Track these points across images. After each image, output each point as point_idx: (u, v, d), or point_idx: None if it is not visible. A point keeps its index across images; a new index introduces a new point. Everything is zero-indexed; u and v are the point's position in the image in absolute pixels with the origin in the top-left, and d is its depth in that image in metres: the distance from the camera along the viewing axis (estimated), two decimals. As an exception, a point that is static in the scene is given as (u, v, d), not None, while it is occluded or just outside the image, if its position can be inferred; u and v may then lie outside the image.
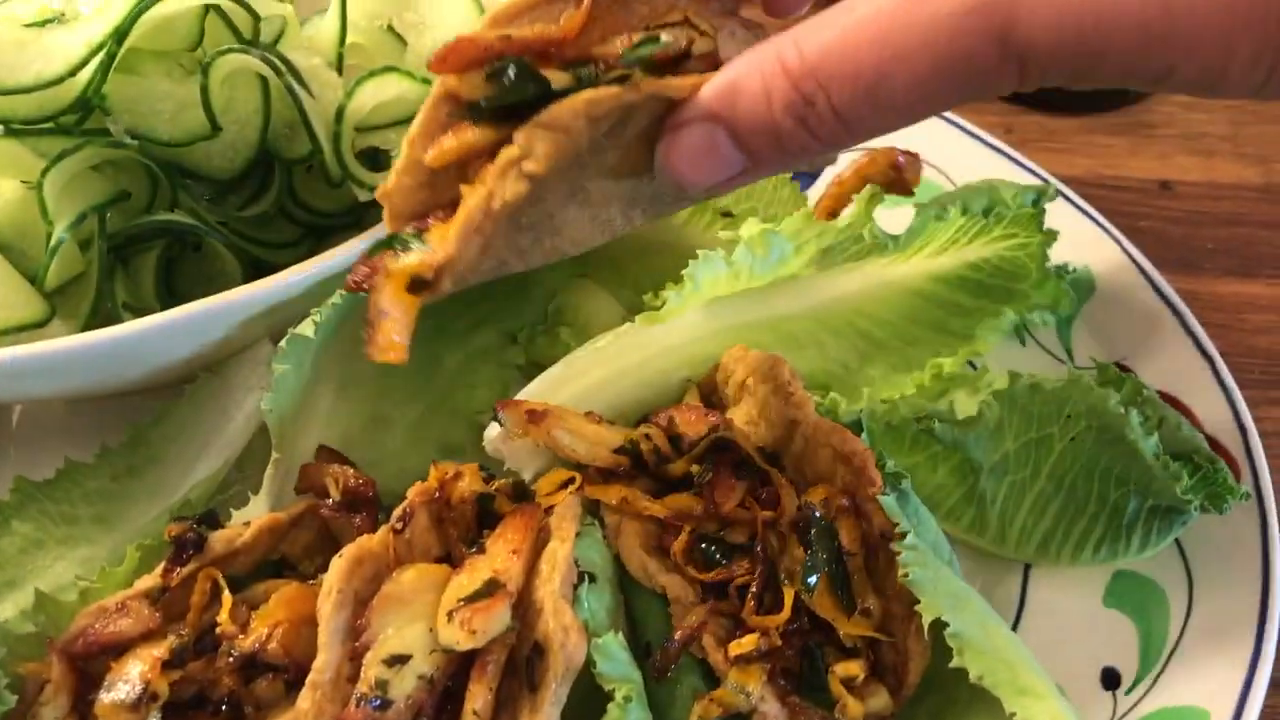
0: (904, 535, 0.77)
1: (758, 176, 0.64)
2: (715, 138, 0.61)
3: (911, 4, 0.55)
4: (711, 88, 0.61)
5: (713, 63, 0.66)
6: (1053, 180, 1.15)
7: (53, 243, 0.92)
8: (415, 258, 0.62)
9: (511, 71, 0.60)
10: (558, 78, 0.62)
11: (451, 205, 0.63)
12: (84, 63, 0.91)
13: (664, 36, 0.65)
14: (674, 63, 0.65)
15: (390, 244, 0.63)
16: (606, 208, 0.68)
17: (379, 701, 0.71)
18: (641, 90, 0.61)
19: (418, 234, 0.63)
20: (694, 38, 0.66)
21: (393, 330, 0.62)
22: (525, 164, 0.59)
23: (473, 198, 0.61)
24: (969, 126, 1.22)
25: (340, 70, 1.07)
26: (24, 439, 1.05)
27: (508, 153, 0.60)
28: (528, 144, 0.59)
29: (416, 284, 0.62)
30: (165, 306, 0.93)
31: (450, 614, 0.72)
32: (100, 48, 0.91)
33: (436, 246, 0.62)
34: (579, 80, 0.62)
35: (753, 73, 0.60)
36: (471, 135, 0.61)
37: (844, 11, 0.58)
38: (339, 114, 0.99)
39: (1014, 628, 0.90)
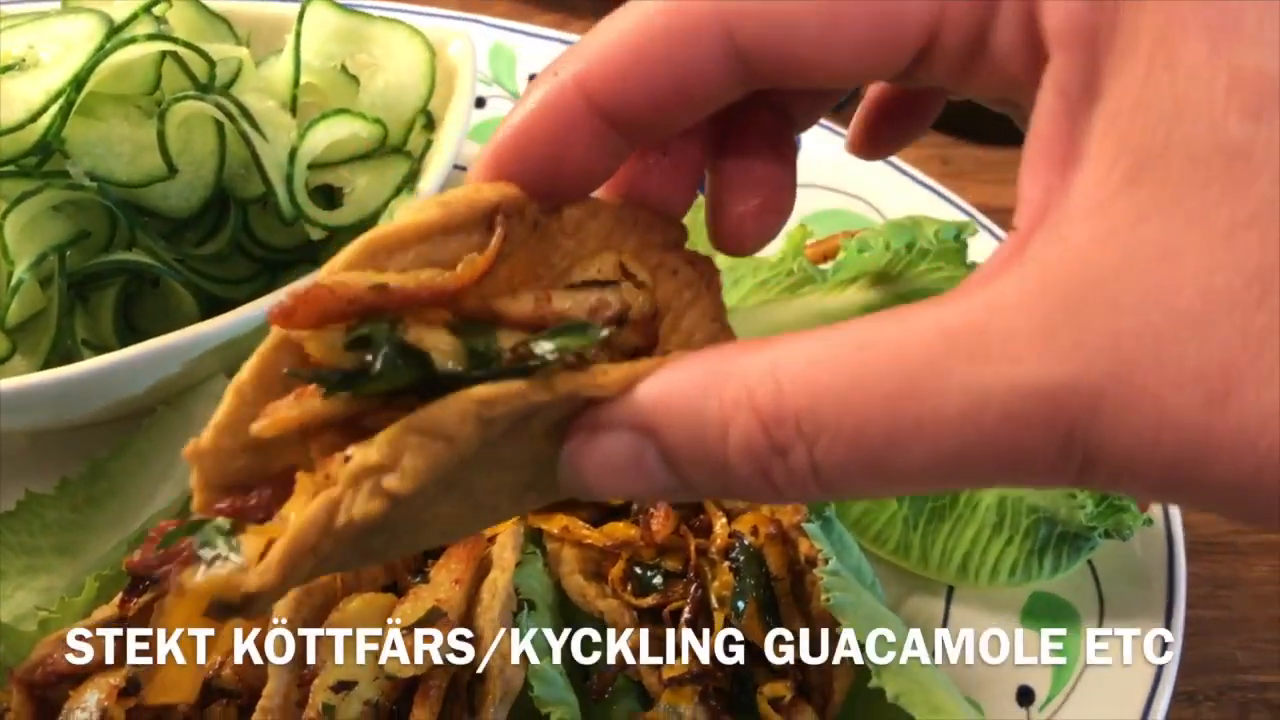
0: (827, 561, 0.81)
1: (690, 499, 0.53)
2: (642, 454, 0.47)
3: (948, 358, 0.40)
4: (649, 395, 0.46)
5: (649, 329, 0.52)
6: (978, 216, 1.20)
7: (13, 282, 0.95)
8: (220, 572, 0.46)
9: (384, 351, 0.46)
10: (442, 346, 0.47)
11: (281, 478, 0.48)
12: (44, 109, 0.94)
13: (593, 327, 0.49)
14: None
15: (194, 533, 0.47)
16: (492, 496, 0.53)
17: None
18: (556, 390, 0.46)
19: (229, 531, 0.47)
20: (629, 302, 0.52)
21: (176, 675, 0.49)
22: (386, 480, 0.44)
23: (309, 509, 0.45)
24: (901, 165, 1.27)
25: (295, 110, 1.10)
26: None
27: (364, 456, 0.44)
28: (393, 453, 0.44)
29: (220, 608, 0.46)
30: (124, 342, 0.97)
31: (394, 642, 0.76)
32: (60, 94, 0.94)
33: (251, 561, 0.46)
34: (472, 358, 0.47)
35: (707, 395, 0.44)
36: (318, 405, 0.46)
37: (848, 345, 0.42)
38: (292, 155, 1.03)
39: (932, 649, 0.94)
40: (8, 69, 0.97)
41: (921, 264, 1.05)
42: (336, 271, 0.46)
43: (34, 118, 0.94)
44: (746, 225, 0.55)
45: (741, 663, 0.84)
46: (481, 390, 0.44)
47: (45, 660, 0.80)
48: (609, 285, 0.51)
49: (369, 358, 0.44)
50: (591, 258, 0.52)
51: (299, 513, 0.45)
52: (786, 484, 0.44)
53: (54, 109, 0.95)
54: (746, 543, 0.84)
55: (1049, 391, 0.38)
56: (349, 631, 0.78)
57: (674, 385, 0.46)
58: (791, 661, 0.84)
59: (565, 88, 0.50)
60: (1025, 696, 0.90)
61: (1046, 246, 0.40)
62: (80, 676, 0.80)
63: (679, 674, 0.82)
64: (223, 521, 0.46)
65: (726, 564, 0.85)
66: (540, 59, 1.35)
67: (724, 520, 0.87)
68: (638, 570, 0.87)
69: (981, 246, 1.10)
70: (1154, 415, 0.37)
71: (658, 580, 0.87)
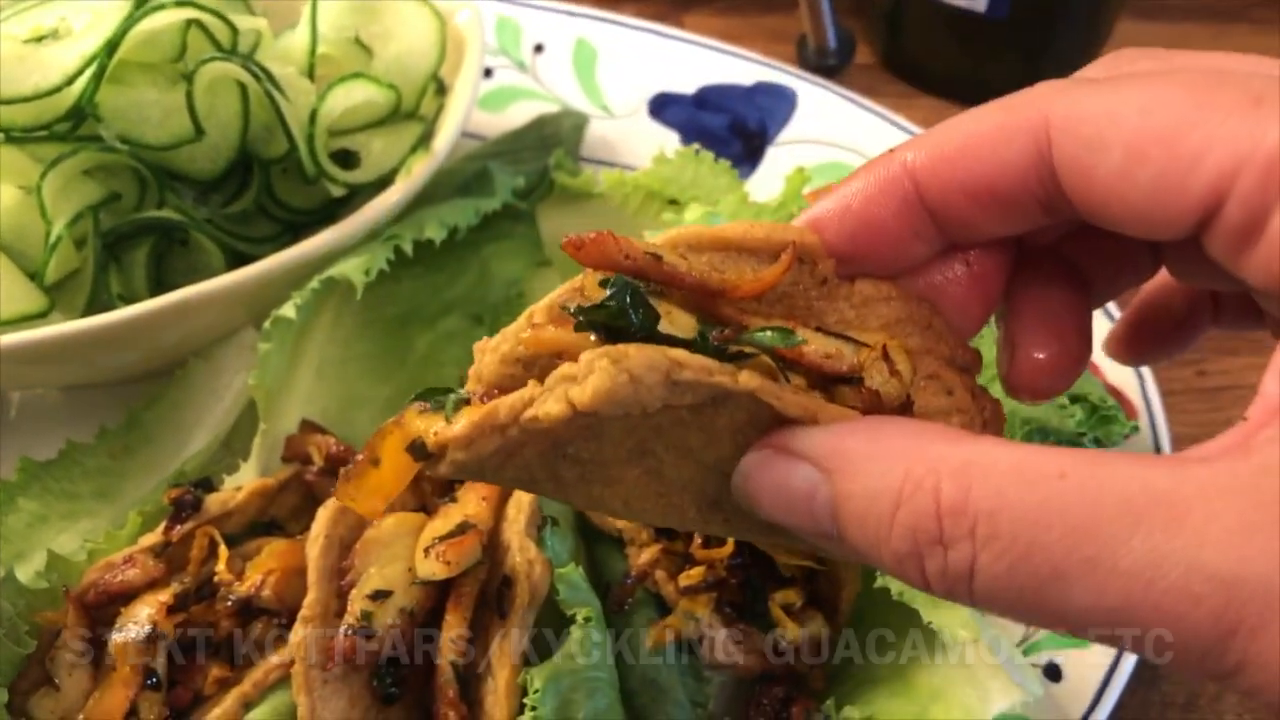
0: (832, 473, 0.86)
1: (836, 556, 0.53)
2: (815, 492, 0.48)
3: (1143, 518, 0.41)
4: (841, 437, 0.48)
5: (875, 402, 0.53)
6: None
7: (51, 240, 1.00)
8: (431, 423, 0.53)
9: (623, 293, 0.51)
10: (679, 322, 0.52)
11: (508, 385, 0.55)
12: (78, 74, 0.99)
13: (811, 342, 0.53)
14: (824, 377, 0.53)
15: (431, 398, 0.55)
16: (680, 494, 0.56)
17: (365, 631, 0.79)
18: (740, 382, 0.49)
19: (459, 401, 0.54)
20: (874, 372, 0.53)
21: (376, 483, 0.54)
22: (572, 390, 0.49)
23: (512, 396, 0.51)
24: (897, 119, 1.32)
25: (312, 79, 1.15)
26: (24, 425, 1.13)
27: (566, 368, 0.50)
28: (585, 369, 0.49)
29: (417, 449, 0.53)
30: (156, 297, 1.01)
31: (427, 550, 0.80)
32: (93, 60, 0.99)
33: (456, 422, 0.53)
34: (699, 336, 0.52)
35: (896, 464, 0.46)
36: (569, 336, 0.52)
37: (1048, 465, 0.43)
38: (312, 116, 1.08)
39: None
40: (43, 38, 1.02)
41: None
42: (662, 237, 0.53)
43: (69, 81, 0.99)
44: (1040, 373, 0.57)
45: (753, 573, 0.88)
46: (677, 351, 0.49)
47: (97, 582, 0.85)
48: (857, 345, 0.54)
49: (612, 295, 0.51)
50: (861, 326, 0.55)
51: (509, 395, 0.51)
52: (938, 577, 0.45)
53: (87, 74, 1.00)
54: (755, 459, 0.89)
55: (1228, 582, 0.39)
56: (384, 545, 0.83)
57: (867, 440, 0.48)
58: (801, 571, 0.89)
59: (899, 167, 0.53)
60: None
61: (1273, 447, 0.41)
62: (130, 596, 0.84)
63: (694, 583, 0.87)
64: (463, 393, 0.55)
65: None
66: (545, 31, 1.40)
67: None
68: (653, 491, 0.92)
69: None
70: None
71: (672, 500, 0.91)
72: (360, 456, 0.54)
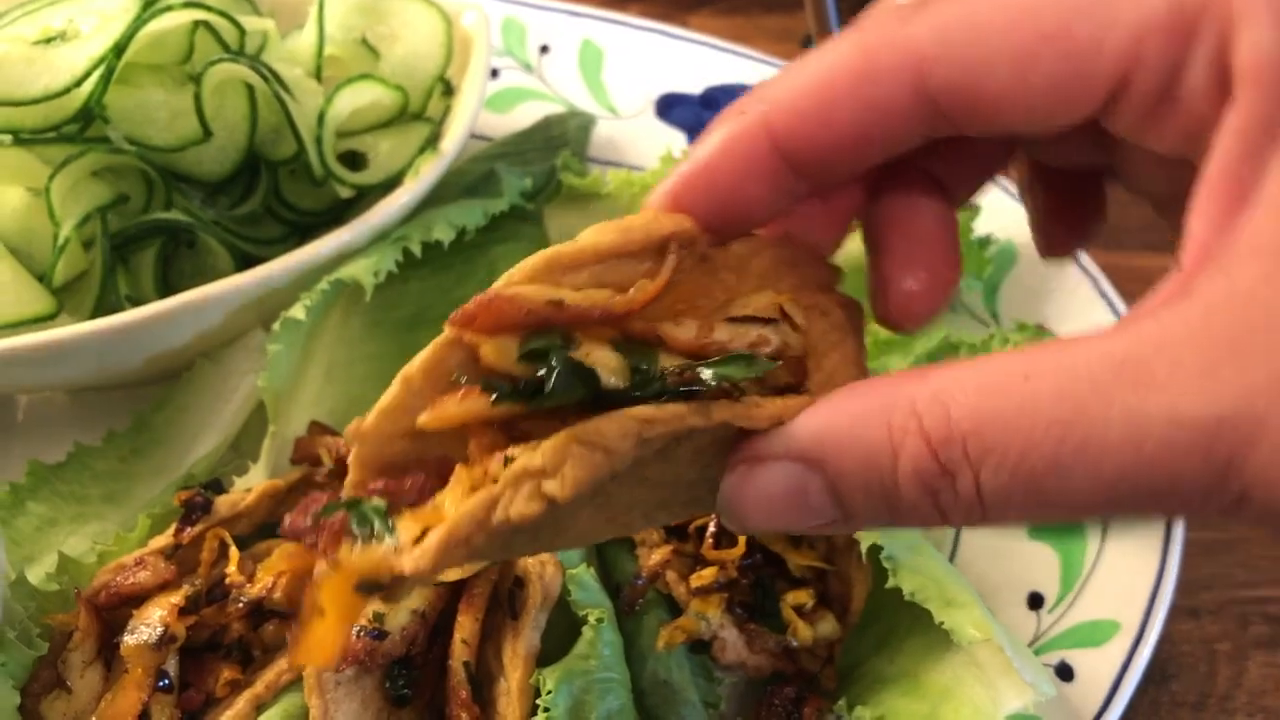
0: (843, 473, 0.86)
1: (843, 531, 0.52)
2: (805, 486, 0.48)
3: (1113, 387, 0.42)
4: (811, 427, 0.48)
5: (797, 368, 0.54)
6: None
7: (59, 242, 1.00)
8: (375, 554, 0.48)
9: (558, 371, 0.48)
10: (610, 364, 0.49)
11: (435, 466, 0.51)
12: (87, 75, 0.99)
13: (758, 361, 0.52)
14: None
15: (350, 510, 0.49)
16: (628, 513, 0.55)
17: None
18: (712, 418, 0.48)
19: (384, 511, 0.49)
20: (787, 342, 0.54)
21: (326, 633, 0.50)
22: (546, 485, 0.46)
23: (469, 503, 0.47)
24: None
25: (319, 80, 1.15)
26: (32, 428, 1.13)
27: (528, 459, 0.46)
28: (556, 460, 0.46)
29: (369, 586, 0.49)
30: (163, 299, 1.01)
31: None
32: (101, 61, 0.99)
33: (405, 544, 0.48)
34: (635, 376, 0.50)
35: (875, 422, 0.46)
36: (483, 407, 0.48)
37: (1014, 375, 0.44)
38: (320, 118, 1.08)
39: (950, 561, 0.99)
40: (51, 40, 1.02)
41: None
42: (515, 283, 0.50)
43: (78, 84, 0.99)
44: (914, 303, 0.57)
45: (764, 574, 0.88)
46: (645, 410, 0.47)
47: (108, 584, 0.85)
48: (769, 323, 0.53)
49: (542, 374, 0.48)
50: (751, 294, 0.55)
51: (457, 504, 0.48)
52: (953, 508, 0.46)
53: (95, 76, 0.99)
54: (766, 459, 0.89)
55: (1209, 424, 0.40)
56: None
57: (838, 416, 0.48)
58: (813, 571, 0.89)
59: (751, 126, 0.52)
60: (1035, 601, 0.95)
61: (1212, 284, 0.42)
62: (141, 598, 0.84)
63: (706, 584, 0.86)
64: (379, 503, 0.50)
65: (748, 481, 0.89)
66: (551, 32, 1.40)
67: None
68: (663, 492, 0.92)
69: (988, 207, 1.15)
70: None
71: (682, 501, 0.91)
72: (299, 615, 0.50)
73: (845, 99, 0.50)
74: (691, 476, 0.53)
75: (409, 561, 0.47)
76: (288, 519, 0.52)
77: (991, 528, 0.49)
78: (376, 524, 0.49)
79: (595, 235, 0.52)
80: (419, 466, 0.51)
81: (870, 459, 0.46)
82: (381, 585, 0.49)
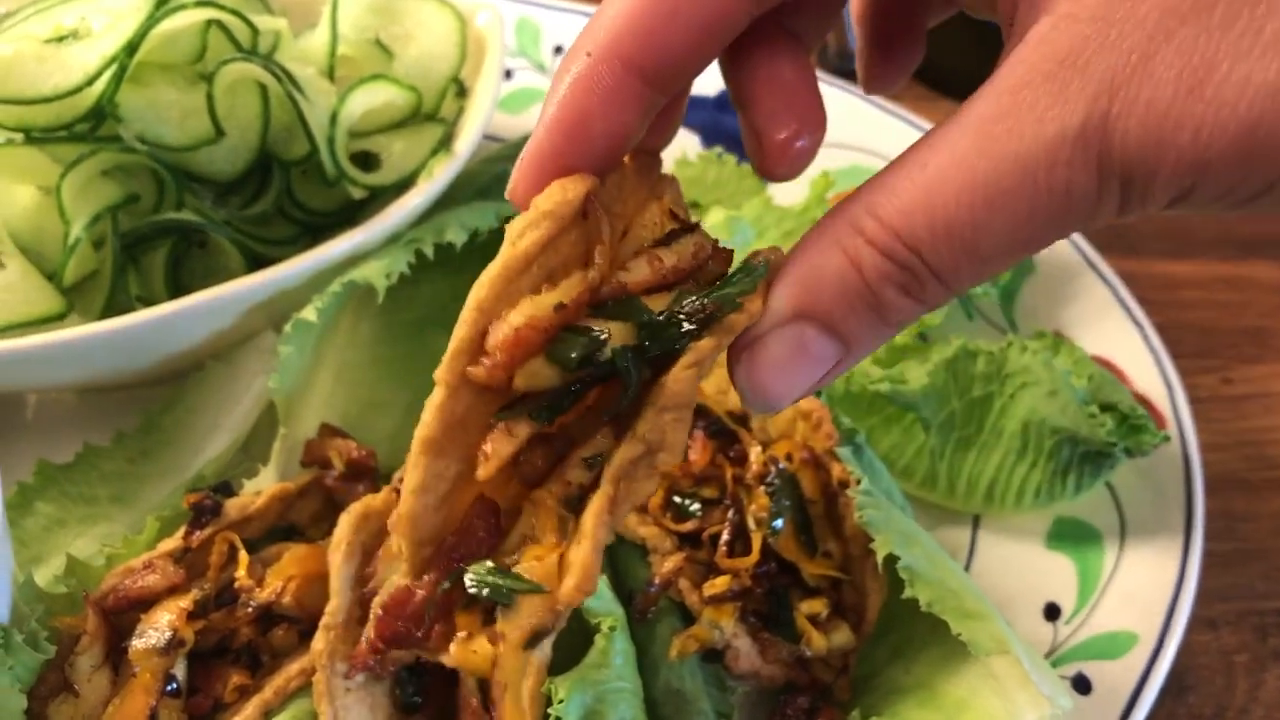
0: (858, 482, 0.85)
1: (849, 366, 0.56)
2: (802, 338, 0.53)
3: (991, 143, 0.48)
4: (785, 288, 0.53)
5: (726, 254, 0.58)
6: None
7: (70, 241, 1.00)
8: (529, 606, 0.50)
9: (621, 363, 0.51)
10: (627, 337, 0.52)
11: (473, 515, 0.53)
12: (99, 74, 0.98)
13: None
14: (697, 275, 0.57)
15: (461, 592, 0.51)
16: None
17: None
18: (734, 330, 0.53)
19: (495, 569, 0.51)
20: (711, 236, 0.58)
21: (515, 701, 0.53)
22: (660, 458, 0.50)
23: (594, 509, 0.50)
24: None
25: (332, 80, 1.15)
26: (41, 428, 1.12)
27: (625, 453, 0.50)
28: (656, 435, 0.50)
29: (537, 638, 0.51)
30: (174, 300, 1.01)
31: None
32: (113, 60, 0.98)
33: (550, 581, 0.50)
34: (643, 330, 0.53)
35: (831, 252, 0.52)
36: (526, 430, 0.51)
37: (914, 168, 0.50)
38: (333, 118, 1.07)
39: (966, 571, 0.98)
40: (63, 38, 1.01)
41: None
42: (486, 303, 0.51)
43: (90, 82, 0.98)
44: (789, 150, 0.59)
45: (778, 583, 0.87)
46: (687, 358, 0.51)
47: (117, 588, 0.84)
48: (687, 229, 0.56)
49: (596, 356, 0.51)
50: (640, 213, 0.57)
51: (590, 517, 0.50)
52: (921, 292, 0.52)
53: (107, 75, 0.99)
54: (782, 466, 0.88)
55: (1074, 134, 0.47)
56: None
57: (799, 267, 0.53)
58: (827, 581, 0.88)
59: (602, 60, 0.54)
60: (1052, 612, 0.94)
61: (1038, 25, 0.49)
62: (150, 601, 0.83)
63: (719, 592, 0.85)
64: (486, 563, 0.52)
65: (762, 488, 0.88)
66: (565, 32, 1.39)
67: (759, 448, 0.90)
68: (676, 499, 0.91)
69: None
70: (1155, 117, 0.46)
71: (696, 507, 0.90)
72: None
73: (695, 10, 0.53)
74: None
75: (569, 591, 0.50)
76: (377, 634, 0.55)
77: (960, 293, 0.54)
78: (503, 585, 0.51)
79: (526, 230, 0.53)
80: (458, 528, 0.53)
81: (843, 283, 0.52)
82: (550, 631, 0.51)
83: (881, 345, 0.57)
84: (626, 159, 0.58)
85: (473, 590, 0.51)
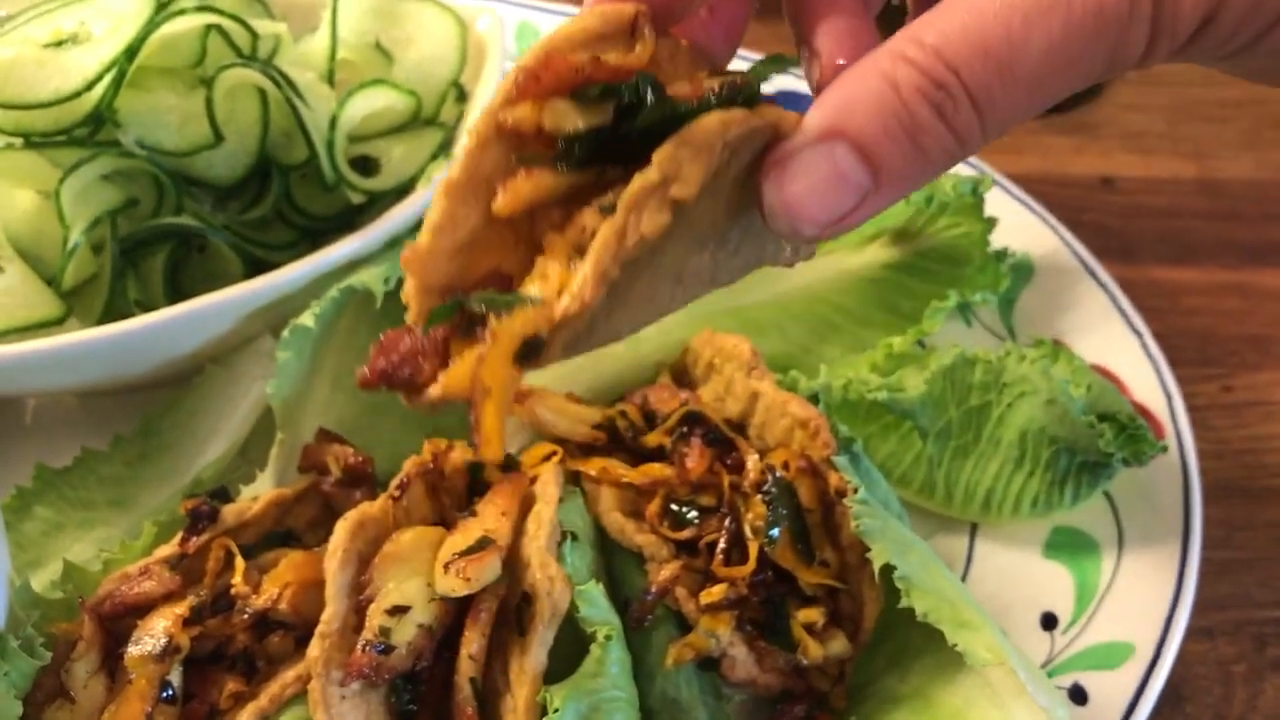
0: (856, 491, 0.85)
1: (880, 202, 0.56)
2: (835, 156, 0.53)
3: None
4: (822, 108, 0.54)
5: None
6: (992, 172, 1.24)
7: (69, 246, 1.00)
8: (525, 313, 0.49)
9: (642, 90, 0.52)
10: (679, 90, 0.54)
11: (487, 281, 0.53)
12: (98, 79, 0.98)
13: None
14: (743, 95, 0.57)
15: (463, 309, 0.51)
16: (663, 281, 0.58)
17: (383, 647, 0.78)
18: (765, 117, 0.53)
19: (496, 295, 0.51)
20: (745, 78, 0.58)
21: (491, 418, 0.50)
22: (674, 189, 0.50)
23: (601, 233, 0.49)
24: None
25: (332, 84, 1.15)
26: (40, 432, 1.12)
27: (644, 179, 0.49)
28: (672, 166, 0.49)
29: (528, 348, 0.49)
30: (173, 304, 1.01)
31: (446, 566, 0.79)
32: (113, 65, 0.98)
33: (549, 298, 0.50)
34: (705, 95, 0.54)
35: (867, 74, 0.53)
36: (550, 179, 0.51)
37: (957, 2, 0.53)
38: (332, 122, 1.07)
39: (963, 581, 0.98)
40: (62, 42, 1.01)
41: (941, 219, 1.09)
42: (529, 64, 0.52)
43: (89, 87, 0.98)
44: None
45: (775, 591, 0.87)
46: (720, 114, 0.52)
47: (113, 594, 0.84)
48: (730, 75, 0.58)
49: (624, 99, 0.52)
50: (683, 78, 0.58)
51: (596, 241, 0.50)
52: (955, 116, 0.53)
53: (107, 79, 0.99)
54: (779, 475, 0.88)
55: None
56: (403, 560, 0.82)
57: (838, 90, 0.54)
58: (824, 589, 0.87)
59: None
60: (1049, 622, 0.94)
61: None
62: (146, 608, 0.83)
63: (716, 601, 0.85)
64: (488, 291, 0.52)
65: (759, 497, 0.88)
66: (564, 37, 1.39)
67: (756, 457, 0.90)
68: (673, 507, 0.91)
69: (995, 202, 1.14)
70: None
71: (693, 515, 0.90)
72: (472, 409, 0.50)
73: None
74: (726, 221, 0.58)
75: (568, 302, 0.49)
76: (368, 370, 0.54)
77: (996, 125, 0.54)
78: (501, 299, 0.50)
79: (581, 20, 0.54)
80: (473, 284, 0.53)
81: (878, 100, 0.52)
82: (541, 342, 0.50)
83: (911, 189, 0.57)
84: (684, 41, 0.60)
85: (473, 308, 0.51)
